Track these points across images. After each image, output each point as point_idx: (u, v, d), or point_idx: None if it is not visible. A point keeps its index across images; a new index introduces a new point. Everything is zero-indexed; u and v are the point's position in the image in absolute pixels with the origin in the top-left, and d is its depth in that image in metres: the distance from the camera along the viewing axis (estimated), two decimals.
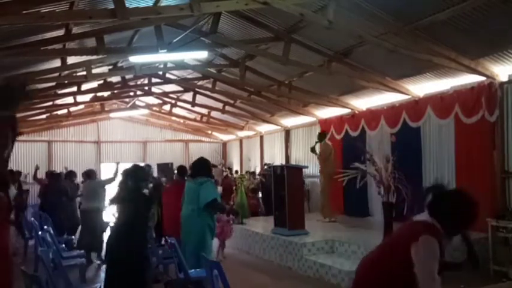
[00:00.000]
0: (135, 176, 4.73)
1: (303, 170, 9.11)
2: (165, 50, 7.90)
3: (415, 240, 2.52)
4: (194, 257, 5.52)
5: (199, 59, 10.00)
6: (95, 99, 13.61)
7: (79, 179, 10.71)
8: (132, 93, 14.00)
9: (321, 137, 10.20)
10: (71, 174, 10.46)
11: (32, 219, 8.92)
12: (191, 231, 5.78)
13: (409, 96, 9.12)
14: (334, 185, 9.76)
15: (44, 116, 14.49)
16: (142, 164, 9.60)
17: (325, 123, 11.81)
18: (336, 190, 10.21)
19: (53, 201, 9.48)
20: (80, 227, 9.06)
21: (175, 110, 16.12)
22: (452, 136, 8.21)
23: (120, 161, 9.41)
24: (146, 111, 16.64)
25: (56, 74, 9.49)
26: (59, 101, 13.10)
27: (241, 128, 16.67)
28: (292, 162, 13.60)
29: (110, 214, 5.74)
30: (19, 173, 11.57)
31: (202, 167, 6.10)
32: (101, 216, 8.50)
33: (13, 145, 3.04)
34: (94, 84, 11.65)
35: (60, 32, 7.31)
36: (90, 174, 8.91)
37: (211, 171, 6.37)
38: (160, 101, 15.54)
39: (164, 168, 12.98)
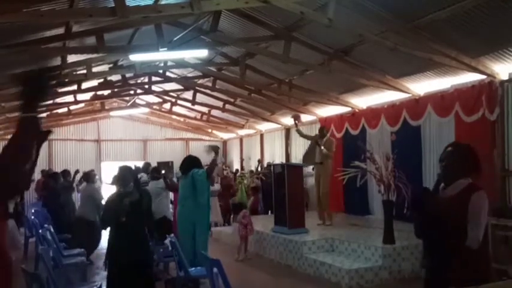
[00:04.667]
0: (126, 176, 4.76)
1: (303, 168, 9.10)
2: (166, 49, 7.90)
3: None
4: (191, 253, 5.54)
5: (199, 57, 9.97)
6: (95, 97, 13.57)
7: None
8: (132, 92, 13.97)
9: (323, 132, 9.36)
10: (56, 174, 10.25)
11: (33, 217, 8.92)
12: (186, 228, 5.80)
13: (410, 95, 9.11)
14: (335, 184, 9.63)
15: (44, 115, 14.46)
16: (141, 162, 9.62)
17: (325, 122, 11.79)
18: (336, 188, 10.18)
19: (52, 200, 9.47)
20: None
21: (176, 109, 16.11)
22: (452, 135, 8.18)
23: (121, 160, 9.33)
24: (146, 109, 16.64)
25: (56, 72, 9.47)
26: (59, 100, 13.09)
27: (242, 127, 16.65)
28: (293, 160, 13.58)
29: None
30: None
31: (191, 164, 6.18)
32: (94, 230, 7.57)
33: (37, 155, 2.07)
34: (94, 82, 11.63)
35: (60, 30, 7.29)
36: (87, 177, 8.35)
37: (200, 165, 6.41)
38: (161, 100, 15.53)
39: (163, 166, 12.94)
